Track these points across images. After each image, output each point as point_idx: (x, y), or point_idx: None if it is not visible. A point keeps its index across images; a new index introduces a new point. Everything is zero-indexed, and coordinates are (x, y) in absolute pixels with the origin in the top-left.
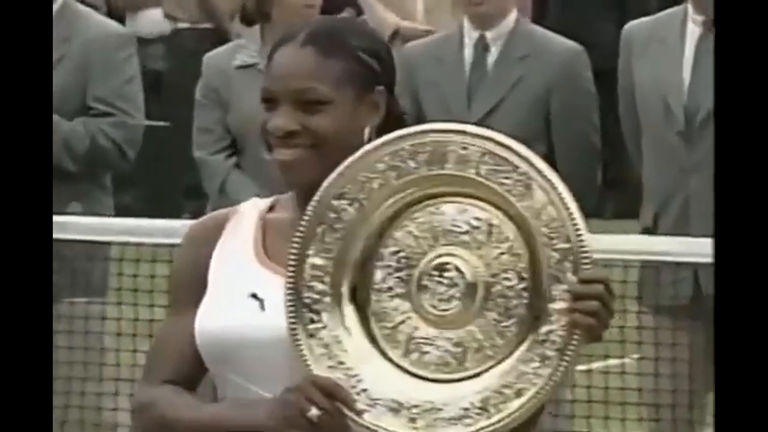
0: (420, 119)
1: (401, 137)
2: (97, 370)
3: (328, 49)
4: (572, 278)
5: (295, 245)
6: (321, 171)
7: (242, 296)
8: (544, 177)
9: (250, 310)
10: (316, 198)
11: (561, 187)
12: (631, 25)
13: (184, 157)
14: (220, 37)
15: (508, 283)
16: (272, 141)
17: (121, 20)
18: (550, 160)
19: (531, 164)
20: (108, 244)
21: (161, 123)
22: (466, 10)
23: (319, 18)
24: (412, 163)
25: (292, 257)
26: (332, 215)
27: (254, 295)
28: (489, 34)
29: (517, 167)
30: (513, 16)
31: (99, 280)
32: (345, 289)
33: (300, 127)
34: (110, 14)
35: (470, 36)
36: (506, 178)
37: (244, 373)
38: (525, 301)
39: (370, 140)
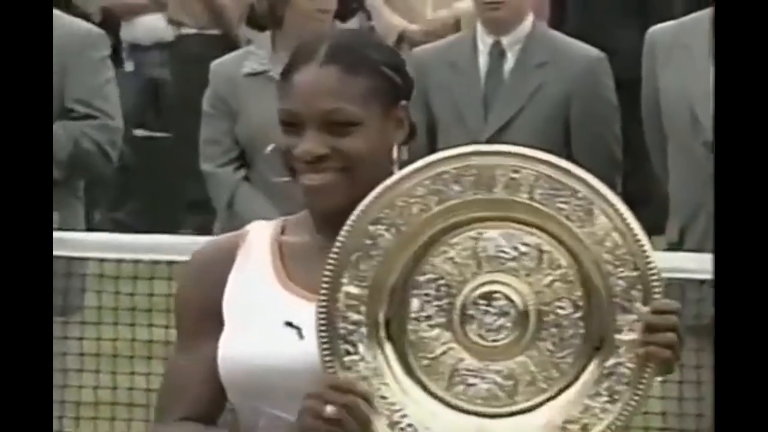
0: (430, 125)
1: (443, 159)
2: (90, 394)
3: (352, 66)
4: (643, 309)
5: (328, 273)
6: (350, 194)
7: (274, 324)
8: (606, 202)
9: (286, 339)
10: (349, 223)
11: (626, 212)
12: (654, 30)
13: (186, 170)
14: (228, 44)
15: (562, 312)
16: (298, 166)
17: (116, 27)
18: None
19: (592, 188)
20: (101, 260)
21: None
22: (480, 14)
23: (334, 33)
24: (456, 187)
25: (325, 286)
26: (368, 241)
27: (290, 324)
28: (505, 40)
29: (577, 191)
30: (529, 20)
31: (75, 299)
32: (381, 319)
33: (330, 151)
34: (105, 21)
35: (484, 41)
36: (564, 202)
37: (280, 403)
38: (582, 330)
39: (398, 159)
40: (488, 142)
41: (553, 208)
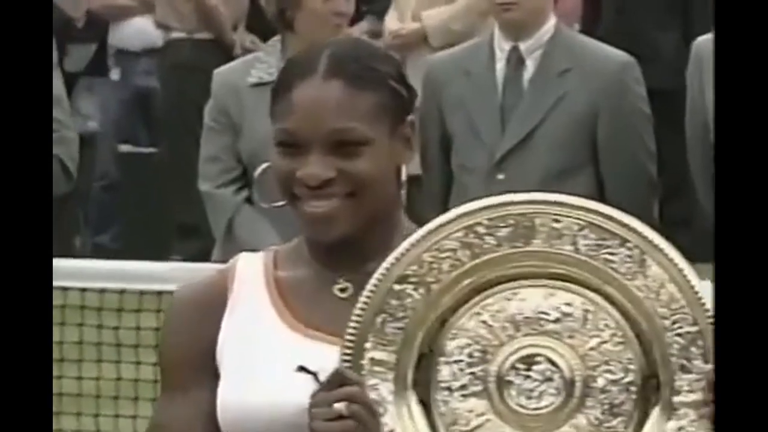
0: (444, 140)
1: (476, 210)
2: None
3: (358, 79)
4: (706, 367)
5: (351, 338)
6: (356, 222)
7: (285, 370)
8: (659, 250)
9: (300, 386)
10: (373, 282)
11: (680, 260)
12: (701, 41)
13: (177, 189)
14: (221, 49)
15: (611, 377)
16: (300, 191)
17: (103, 32)
18: (599, 193)
19: (641, 236)
20: (82, 290)
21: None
22: (495, 16)
23: (335, 43)
24: (490, 240)
25: (348, 351)
26: (394, 302)
27: (303, 368)
28: (523, 45)
29: (626, 240)
30: (551, 23)
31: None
32: (410, 385)
33: (336, 174)
34: (90, 25)
35: (501, 47)
36: (611, 253)
37: None
38: (634, 396)
39: (405, 182)
40: (504, 158)
41: (600, 260)
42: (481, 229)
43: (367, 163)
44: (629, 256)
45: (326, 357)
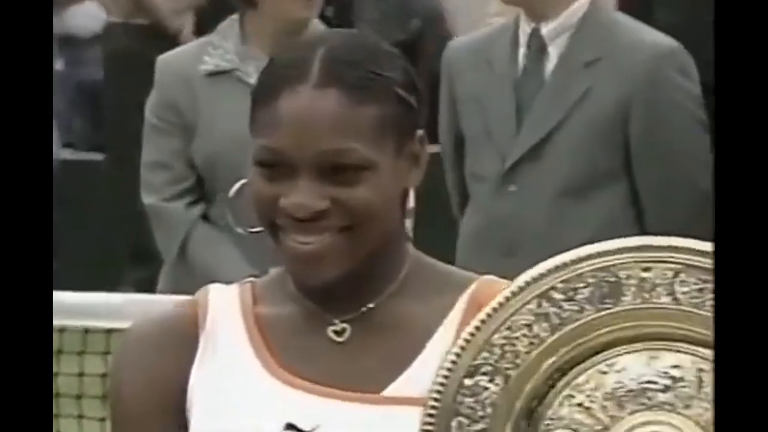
0: (458, 141)
1: (544, 273)
2: None
3: (359, 90)
4: None
5: None
6: (352, 262)
7: (269, 426)
8: None
9: None
10: (439, 381)
11: None
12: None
13: (128, 205)
14: (157, 35)
15: None
16: (284, 223)
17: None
18: (634, 211)
19: None
20: None
21: (94, 156)
22: None
23: (328, 40)
24: (571, 306)
25: None
26: (468, 400)
27: (292, 426)
28: (545, 29)
29: None
30: (582, 1)
31: None
32: None
33: (330, 205)
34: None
35: (524, 31)
36: None
37: None
38: None
39: (413, 209)
40: (517, 166)
41: (705, 308)
42: (556, 295)
43: (368, 192)
44: None
45: (319, 413)
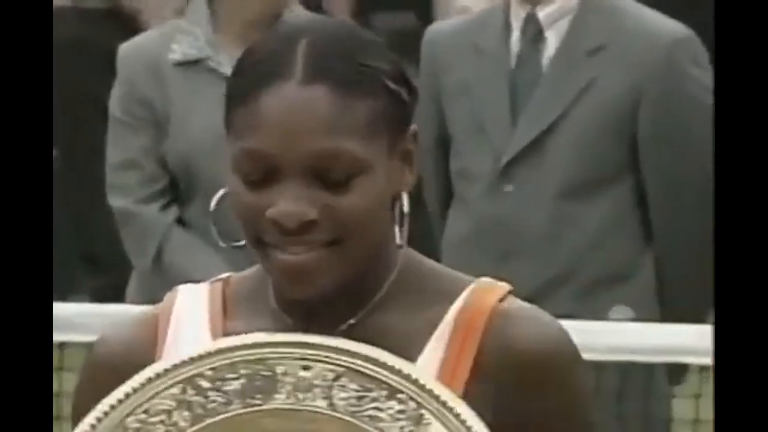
0: (442, 137)
1: (198, 357)
2: None
3: (348, 84)
4: None
5: None
6: (343, 275)
7: None
8: (442, 404)
9: None
10: None
11: (470, 417)
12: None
13: (80, 208)
14: (120, 21)
15: None
16: (273, 240)
17: None
18: (641, 210)
19: (419, 386)
20: None
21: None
22: None
23: (311, 29)
24: (217, 397)
25: None
26: None
27: None
28: (541, 13)
29: (398, 391)
30: None
31: None
32: None
33: (320, 214)
34: None
35: (517, 15)
36: (379, 408)
37: None
38: None
39: (406, 216)
40: (513, 163)
41: (362, 418)
42: (203, 383)
43: (361, 198)
44: (401, 411)
45: None
